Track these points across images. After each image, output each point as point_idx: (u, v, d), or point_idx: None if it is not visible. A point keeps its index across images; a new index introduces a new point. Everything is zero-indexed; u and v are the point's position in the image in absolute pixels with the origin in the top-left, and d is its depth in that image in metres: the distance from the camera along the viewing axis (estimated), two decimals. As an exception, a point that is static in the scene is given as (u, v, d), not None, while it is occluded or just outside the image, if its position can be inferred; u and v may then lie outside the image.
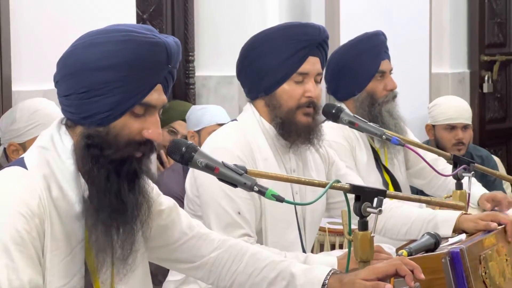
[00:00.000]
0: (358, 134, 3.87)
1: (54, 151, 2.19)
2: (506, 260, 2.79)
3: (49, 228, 2.14)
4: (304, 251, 3.09)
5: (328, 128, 3.65)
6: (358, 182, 3.22)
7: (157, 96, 2.19)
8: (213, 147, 2.91)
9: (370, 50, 3.96)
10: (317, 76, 3.07)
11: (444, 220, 3.06)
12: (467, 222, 3.01)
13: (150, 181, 2.30)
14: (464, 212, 3.08)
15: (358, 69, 3.93)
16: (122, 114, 2.16)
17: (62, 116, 2.23)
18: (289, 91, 3.03)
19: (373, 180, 3.85)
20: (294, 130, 3.05)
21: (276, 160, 3.07)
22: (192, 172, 3.10)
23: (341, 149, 3.79)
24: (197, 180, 3.05)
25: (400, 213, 3.19)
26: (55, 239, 2.15)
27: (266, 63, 3.04)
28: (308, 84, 3.03)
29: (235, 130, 3.09)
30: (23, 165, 2.19)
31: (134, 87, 2.15)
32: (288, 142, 3.09)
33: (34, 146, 2.23)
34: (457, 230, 3.02)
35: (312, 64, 3.05)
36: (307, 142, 3.08)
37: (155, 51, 2.17)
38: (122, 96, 2.14)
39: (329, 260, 2.84)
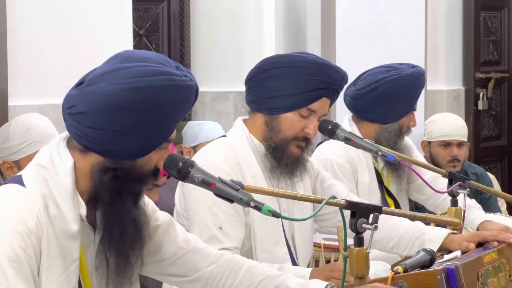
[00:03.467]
0: (363, 155, 3.88)
1: (52, 170, 2.19)
2: (510, 275, 2.80)
3: (45, 246, 2.13)
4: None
5: (333, 147, 3.67)
6: (345, 193, 3.26)
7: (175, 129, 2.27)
8: (201, 163, 2.92)
9: (418, 88, 4.04)
10: (321, 116, 3.10)
11: (430, 240, 3.09)
12: (453, 243, 3.05)
13: (145, 197, 2.32)
14: (452, 231, 3.12)
15: (405, 101, 3.99)
16: (151, 151, 2.20)
17: (58, 134, 2.24)
18: (292, 122, 3.05)
19: (374, 202, 3.86)
20: (284, 159, 3.07)
21: (264, 177, 3.09)
22: (181, 188, 3.12)
23: (342, 171, 3.82)
24: (185, 195, 3.07)
25: (388, 225, 3.19)
26: (51, 258, 2.15)
27: (281, 87, 3.04)
28: (311, 122, 3.05)
29: (224, 146, 3.11)
30: (21, 183, 2.18)
31: (167, 127, 2.20)
32: (276, 162, 3.11)
33: (32, 164, 2.23)
34: (443, 250, 3.04)
35: (323, 105, 3.07)
36: (290, 174, 3.11)
37: (189, 95, 2.22)
38: (157, 135, 2.19)
39: (303, 270, 2.87)
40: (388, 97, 3.95)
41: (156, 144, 2.20)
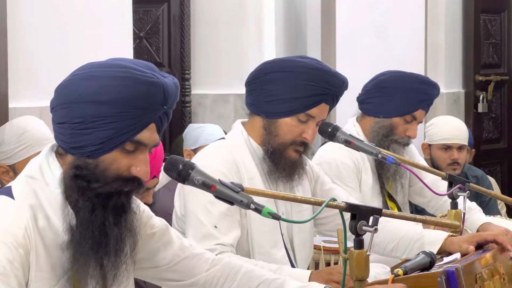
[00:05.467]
0: (366, 158, 3.88)
1: (42, 181, 2.18)
2: (503, 279, 2.80)
3: (34, 258, 2.12)
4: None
5: (337, 147, 3.66)
6: (345, 196, 3.26)
7: (149, 135, 2.18)
8: (199, 164, 2.93)
9: (420, 93, 3.98)
10: (320, 121, 3.09)
11: (430, 242, 3.09)
12: (452, 245, 3.05)
13: (141, 203, 2.30)
14: (451, 234, 3.12)
15: (399, 100, 3.94)
16: (112, 149, 2.14)
17: (53, 139, 2.23)
18: (290, 126, 3.04)
19: (376, 205, 3.85)
20: (282, 163, 3.07)
21: (262, 180, 3.09)
22: (180, 190, 3.12)
23: (347, 170, 3.81)
24: (184, 197, 3.08)
25: (387, 229, 3.20)
26: (40, 270, 2.13)
27: (280, 91, 3.03)
28: (309, 127, 3.04)
29: (222, 148, 3.11)
30: (10, 195, 2.17)
31: (127, 124, 2.14)
32: (274, 166, 3.11)
33: (22, 175, 2.22)
34: (442, 252, 3.04)
35: (322, 110, 3.06)
36: (287, 178, 3.10)
37: (152, 92, 2.15)
38: (114, 131, 2.13)
39: (303, 273, 2.87)
40: (386, 88, 3.95)
41: (117, 142, 2.14)
